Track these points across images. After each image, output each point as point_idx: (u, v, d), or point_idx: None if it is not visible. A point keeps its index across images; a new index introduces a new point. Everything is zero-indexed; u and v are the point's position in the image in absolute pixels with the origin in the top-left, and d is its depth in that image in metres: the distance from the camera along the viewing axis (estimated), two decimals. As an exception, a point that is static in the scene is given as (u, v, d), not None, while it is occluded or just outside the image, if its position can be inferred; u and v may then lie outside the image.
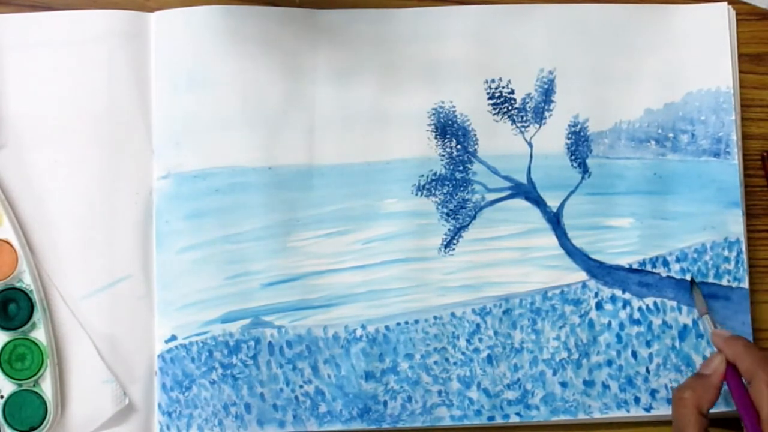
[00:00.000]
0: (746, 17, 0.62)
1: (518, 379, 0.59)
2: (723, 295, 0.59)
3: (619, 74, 0.60)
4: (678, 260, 0.59)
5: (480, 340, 0.59)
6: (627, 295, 0.59)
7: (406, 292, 0.59)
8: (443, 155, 0.60)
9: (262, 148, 0.59)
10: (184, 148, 0.58)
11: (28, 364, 0.56)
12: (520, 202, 0.60)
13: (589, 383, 0.59)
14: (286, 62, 0.59)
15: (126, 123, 0.58)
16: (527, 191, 0.60)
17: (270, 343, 0.58)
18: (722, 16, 0.61)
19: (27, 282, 0.56)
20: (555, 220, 0.60)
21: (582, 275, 0.59)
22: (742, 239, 0.59)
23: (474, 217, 0.60)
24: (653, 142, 0.60)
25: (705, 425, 0.51)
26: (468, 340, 0.59)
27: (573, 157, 0.60)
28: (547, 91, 0.60)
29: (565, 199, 0.60)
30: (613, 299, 0.59)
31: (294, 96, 0.59)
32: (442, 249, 0.59)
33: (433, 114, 0.60)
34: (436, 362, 0.58)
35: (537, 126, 0.60)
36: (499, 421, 0.58)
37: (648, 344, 0.59)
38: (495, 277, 0.59)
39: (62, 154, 0.58)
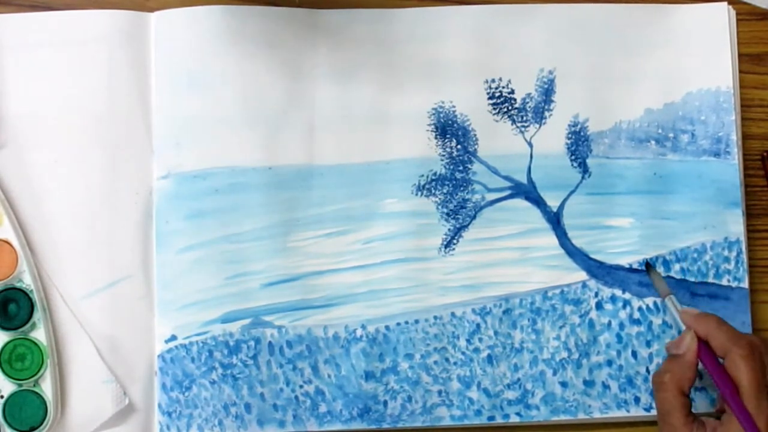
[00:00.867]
0: (746, 17, 0.62)
1: (518, 379, 0.59)
2: (723, 295, 0.59)
3: (619, 74, 0.60)
4: (678, 260, 0.59)
5: (480, 340, 0.59)
6: (627, 295, 0.59)
7: (406, 292, 0.59)
8: (443, 155, 0.60)
9: (262, 148, 0.59)
10: (184, 148, 0.58)
11: (28, 364, 0.56)
12: (520, 202, 0.60)
13: (589, 383, 0.59)
14: (287, 62, 0.59)
15: (126, 123, 0.58)
16: (527, 191, 0.60)
17: (270, 343, 0.58)
18: (722, 16, 0.61)
19: (27, 282, 0.56)
20: (555, 220, 0.60)
21: (582, 275, 0.59)
22: (742, 239, 0.59)
23: (474, 217, 0.60)
24: (653, 142, 0.60)
25: (689, 405, 0.52)
26: (468, 340, 0.59)
27: (573, 157, 0.60)
28: (547, 91, 0.60)
29: (565, 199, 0.60)
30: (613, 299, 0.59)
31: (294, 96, 0.59)
32: (442, 249, 0.59)
33: (433, 114, 0.60)
34: (436, 362, 0.58)
35: (537, 126, 0.60)
36: (499, 421, 0.58)
37: (648, 344, 0.59)
38: (495, 277, 0.59)
39: (62, 154, 0.58)
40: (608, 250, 0.59)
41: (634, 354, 0.59)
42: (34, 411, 0.56)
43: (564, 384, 0.59)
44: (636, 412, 0.59)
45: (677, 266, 0.59)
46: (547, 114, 0.60)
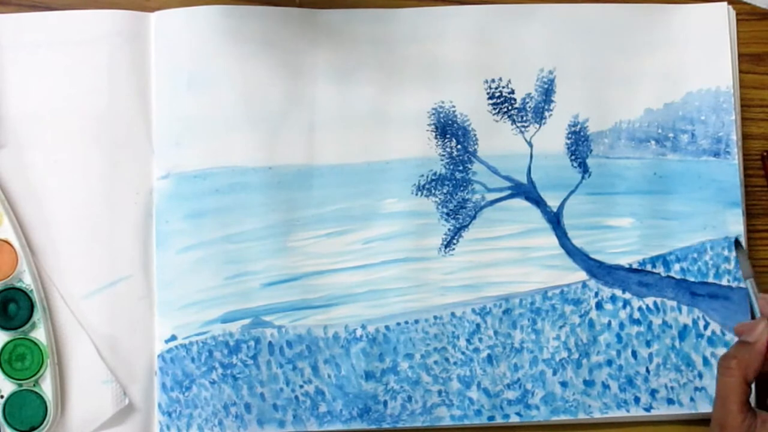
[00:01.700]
0: (746, 17, 0.62)
1: (518, 379, 0.59)
2: (723, 295, 0.59)
3: (619, 74, 0.60)
4: (678, 260, 0.59)
5: (480, 339, 0.59)
6: (627, 295, 0.59)
7: (406, 292, 0.59)
8: (443, 155, 0.60)
9: (262, 148, 0.59)
10: (184, 148, 0.58)
11: (28, 364, 0.56)
12: (520, 202, 0.60)
13: (589, 383, 0.59)
14: (286, 62, 0.59)
15: (126, 123, 0.58)
16: (527, 191, 0.60)
17: (270, 343, 0.58)
18: (722, 16, 0.61)
19: (27, 282, 0.56)
20: (555, 220, 0.60)
21: (582, 275, 0.59)
22: (742, 239, 0.59)
23: (474, 217, 0.60)
24: (653, 142, 0.60)
25: (748, 394, 0.52)
26: (468, 340, 0.59)
27: (573, 157, 0.60)
28: (547, 91, 0.60)
29: (565, 199, 0.60)
30: (613, 299, 0.59)
31: (294, 96, 0.59)
32: (442, 249, 0.59)
33: (433, 114, 0.60)
34: (436, 362, 0.58)
35: (537, 126, 0.60)
36: (499, 421, 0.58)
37: (648, 344, 0.59)
38: (495, 277, 0.59)
39: (62, 154, 0.58)
40: (608, 250, 0.59)
41: (634, 354, 0.59)
42: (34, 411, 0.56)
43: (564, 384, 0.59)
44: (636, 412, 0.58)
45: (677, 266, 0.59)
46: (547, 114, 0.60)
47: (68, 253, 0.57)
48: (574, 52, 0.60)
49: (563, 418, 0.58)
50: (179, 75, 0.58)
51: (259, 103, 0.59)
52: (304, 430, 0.58)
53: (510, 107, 0.60)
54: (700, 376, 0.58)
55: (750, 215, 0.60)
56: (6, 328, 0.56)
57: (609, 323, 0.59)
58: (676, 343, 0.59)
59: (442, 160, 0.60)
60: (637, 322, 0.59)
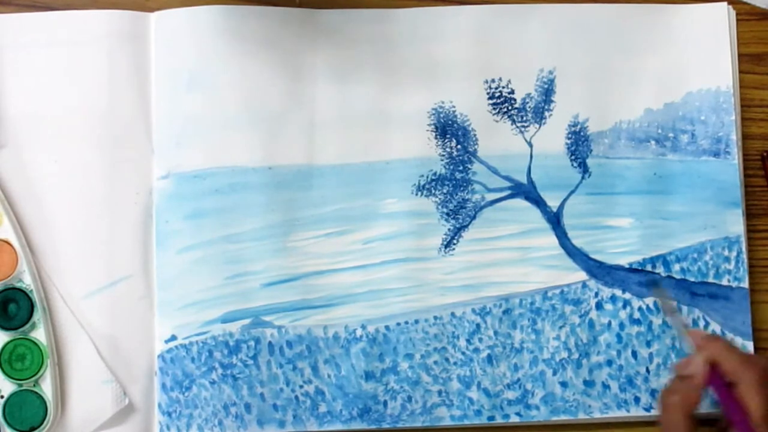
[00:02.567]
0: (746, 17, 0.62)
1: (518, 379, 0.59)
2: (723, 295, 0.59)
3: (619, 74, 0.60)
4: (678, 260, 0.59)
5: (480, 340, 0.59)
6: (627, 295, 0.59)
7: (406, 292, 0.59)
8: (443, 155, 0.60)
9: (262, 148, 0.59)
10: (184, 148, 0.58)
11: (28, 364, 0.56)
12: (520, 202, 0.60)
13: (589, 383, 0.59)
14: (286, 62, 0.59)
15: (126, 123, 0.58)
16: (527, 191, 0.60)
17: (270, 343, 0.58)
18: (722, 16, 0.61)
19: (27, 282, 0.56)
20: (555, 220, 0.60)
21: (582, 275, 0.59)
22: (742, 239, 0.59)
23: (474, 217, 0.60)
24: (653, 142, 0.60)
25: (695, 426, 0.52)
26: (468, 340, 0.59)
27: (573, 157, 0.60)
28: (547, 91, 0.60)
29: (565, 199, 0.60)
30: (613, 299, 0.59)
31: (294, 96, 0.59)
32: (442, 249, 0.59)
33: (433, 114, 0.60)
34: (436, 362, 0.58)
35: (537, 126, 0.60)
36: (499, 421, 0.58)
37: (648, 344, 0.59)
38: (495, 277, 0.59)
39: (62, 154, 0.58)
40: (608, 250, 0.59)
41: (634, 354, 0.59)
42: (34, 411, 0.56)
43: (564, 384, 0.59)
44: (636, 412, 0.58)
45: (677, 266, 0.59)
46: (547, 114, 0.60)
47: (68, 253, 0.57)
48: (574, 52, 0.60)
49: (563, 418, 0.58)
50: (179, 75, 0.58)
51: (259, 103, 0.59)
52: (304, 430, 0.58)
53: (510, 107, 0.60)
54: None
55: (750, 215, 0.60)
56: (6, 328, 0.56)
57: (609, 323, 0.59)
58: (676, 344, 0.59)
59: (442, 160, 0.60)
60: (637, 322, 0.59)
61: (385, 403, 0.58)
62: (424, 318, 0.59)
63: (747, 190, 0.60)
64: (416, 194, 0.59)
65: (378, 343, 0.58)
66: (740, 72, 0.61)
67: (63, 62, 0.58)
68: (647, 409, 0.58)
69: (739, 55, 0.61)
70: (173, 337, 0.58)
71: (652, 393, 0.58)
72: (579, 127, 0.60)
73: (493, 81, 0.60)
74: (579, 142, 0.60)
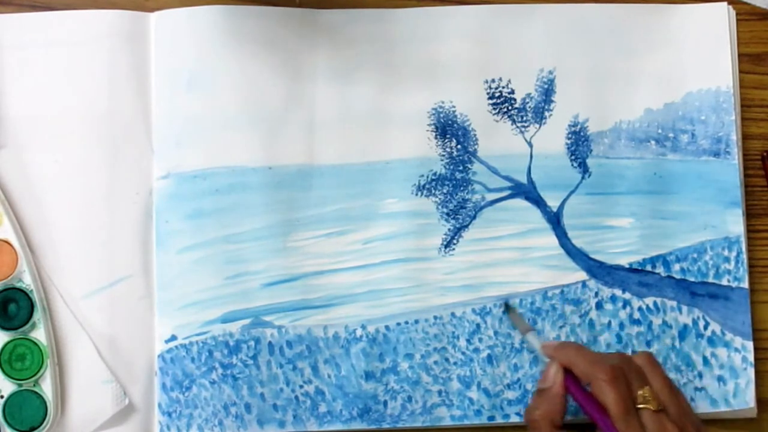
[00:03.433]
0: (746, 17, 0.62)
1: (518, 379, 0.59)
2: (723, 295, 0.59)
3: (619, 74, 0.60)
4: (678, 260, 0.59)
5: (480, 340, 0.59)
6: (627, 295, 0.59)
7: (406, 292, 0.59)
8: (443, 155, 0.60)
9: (262, 148, 0.59)
10: (184, 148, 0.58)
11: (28, 364, 0.56)
12: (520, 202, 0.60)
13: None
14: (286, 62, 0.59)
15: (126, 123, 0.58)
16: (527, 191, 0.60)
17: (270, 343, 0.58)
18: (722, 16, 0.61)
19: (27, 282, 0.56)
20: (555, 220, 0.60)
21: (582, 275, 0.59)
22: (742, 239, 0.59)
23: (474, 217, 0.60)
24: (653, 142, 0.60)
25: None
26: (468, 340, 0.59)
27: (573, 157, 0.60)
28: (547, 91, 0.60)
29: (565, 199, 0.60)
30: (613, 299, 0.59)
31: (294, 96, 0.59)
32: (442, 249, 0.59)
33: (433, 114, 0.60)
34: (436, 362, 0.58)
35: (537, 126, 0.60)
36: (499, 421, 0.58)
37: (648, 344, 0.59)
38: (495, 277, 0.59)
39: (62, 154, 0.58)
40: (608, 250, 0.59)
41: (635, 354, 0.59)
42: (34, 411, 0.56)
43: (564, 384, 0.59)
44: (636, 412, 0.58)
45: (677, 266, 0.59)
46: (547, 114, 0.60)
47: (68, 253, 0.57)
48: (574, 52, 0.60)
49: (563, 418, 0.58)
50: (179, 75, 0.58)
51: (259, 103, 0.59)
52: (304, 430, 0.58)
53: (510, 107, 0.60)
54: (700, 376, 0.58)
55: (750, 215, 0.60)
56: (6, 328, 0.56)
57: (609, 323, 0.59)
58: (676, 344, 0.59)
59: (442, 160, 0.60)
60: (637, 322, 0.59)
61: (385, 403, 0.58)
62: (424, 318, 0.59)
63: (747, 190, 0.60)
64: (416, 194, 0.59)
65: (378, 343, 0.58)
66: (740, 72, 0.61)
67: (63, 62, 0.58)
68: (647, 409, 0.58)
69: (739, 55, 0.61)
70: (173, 337, 0.58)
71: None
72: (579, 127, 0.60)
73: (493, 81, 0.60)
74: (579, 142, 0.60)
